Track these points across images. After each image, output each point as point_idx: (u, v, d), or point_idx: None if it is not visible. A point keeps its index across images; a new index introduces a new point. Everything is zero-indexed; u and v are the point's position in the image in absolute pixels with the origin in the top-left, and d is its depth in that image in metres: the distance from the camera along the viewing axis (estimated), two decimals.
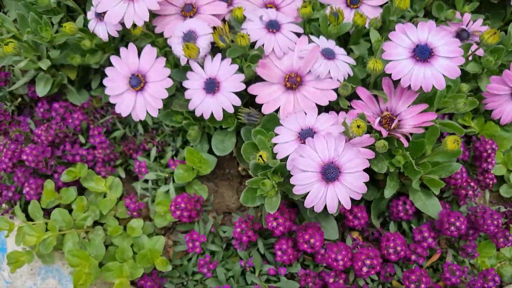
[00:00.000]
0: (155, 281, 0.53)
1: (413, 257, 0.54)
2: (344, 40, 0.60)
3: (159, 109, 0.52)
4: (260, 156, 0.47)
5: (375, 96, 0.53)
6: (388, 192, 0.54)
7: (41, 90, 0.58)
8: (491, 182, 0.60)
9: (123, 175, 0.60)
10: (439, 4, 0.63)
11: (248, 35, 0.50)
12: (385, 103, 0.53)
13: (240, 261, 0.55)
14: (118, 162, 0.60)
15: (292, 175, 0.46)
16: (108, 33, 0.53)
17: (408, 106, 0.53)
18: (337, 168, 0.45)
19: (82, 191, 0.59)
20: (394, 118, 0.53)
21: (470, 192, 0.57)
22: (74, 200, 0.56)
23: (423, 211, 0.55)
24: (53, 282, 0.55)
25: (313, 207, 0.46)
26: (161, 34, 0.56)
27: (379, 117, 0.52)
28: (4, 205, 0.58)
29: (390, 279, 0.55)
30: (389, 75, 0.51)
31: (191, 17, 0.54)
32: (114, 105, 0.60)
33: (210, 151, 0.58)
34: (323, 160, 0.46)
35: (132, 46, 0.51)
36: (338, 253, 0.51)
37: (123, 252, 0.53)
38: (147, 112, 0.52)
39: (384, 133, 0.49)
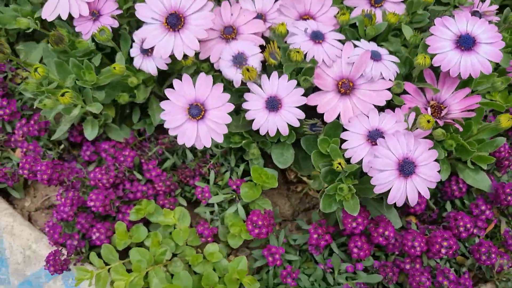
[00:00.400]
0: None
1: (474, 230, 0.58)
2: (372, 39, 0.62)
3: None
4: (339, 163, 0.49)
5: (421, 89, 0.56)
6: (444, 176, 0.57)
7: (90, 133, 0.58)
8: None
9: (184, 204, 0.60)
10: None
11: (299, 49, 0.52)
12: (431, 94, 0.57)
13: (319, 265, 0.57)
14: (177, 192, 0.60)
15: (370, 176, 0.48)
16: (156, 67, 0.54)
17: (452, 93, 0.56)
18: (412, 162, 0.48)
19: (146, 225, 0.59)
20: (441, 106, 0.56)
21: None
22: (146, 237, 0.56)
23: (475, 186, 0.59)
24: None
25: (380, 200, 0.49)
26: (205, 60, 0.56)
27: (429, 107, 0.55)
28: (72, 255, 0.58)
29: (457, 255, 0.59)
30: (431, 67, 0.54)
31: (233, 38, 0.55)
32: (158, 136, 0.60)
33: (265, 166, 0.59)
34: (398, 158, 0.48)
35: (186, 76, 0.52)
36: (414, 240, 0.54)
37: (208, 279, 0.53)
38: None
39: (441, 122, 0.52)
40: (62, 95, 0.50)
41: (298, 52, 0.51)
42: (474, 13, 0.67)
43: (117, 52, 0.56)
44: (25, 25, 0.56)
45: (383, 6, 0.61)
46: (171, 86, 0.53)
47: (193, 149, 0.63)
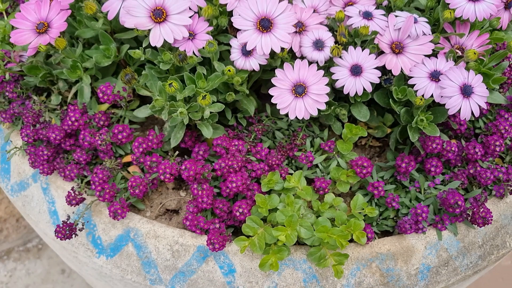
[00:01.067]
0: None
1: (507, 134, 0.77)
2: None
3: None
4: (420, 98, 0.65)
5: (446, 38, 0.75)
6: None
7: (207, 132, 0.69)
8: None
9: (292, 172, 0.74)
10: None
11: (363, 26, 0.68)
12: (453, 40, 0.75)
13: (410, 188, 0.72)
14: (284, 164, 0.73)
15: (437, 107, 0.65)
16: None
17: (467, 36, 0.75)
18: (470, 86, 0.66)
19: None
20: (463, 47, 0.75)
21: None
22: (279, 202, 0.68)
23: (495, 102, 0.77)
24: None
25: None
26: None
27: (457, 49, 0.74)
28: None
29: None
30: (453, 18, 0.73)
31: (304, 31, 0.70)
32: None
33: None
34: (459, 85, 0.66)
35: (287, 64, 0.66)
36: (475, 147, 0.72)
37: (340, 218, 0.67)
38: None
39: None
40: (204, 97, 0.61)
41: (366, 27, 0.67)
42: None
43: (214, 60, 0.69)
44: (138, 55, 0.66)
45: None
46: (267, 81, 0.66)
47: (279, 128, 0.76)
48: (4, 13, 0.88)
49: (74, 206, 0.71)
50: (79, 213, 0.71)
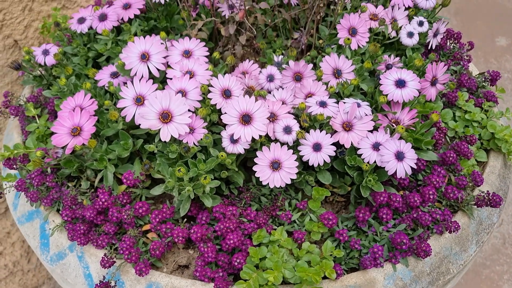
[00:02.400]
0: None
1: (440, 184, 0.99)
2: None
3: None
4: (366, 165, 0.87)
5: (385, 115, 0.98)
6: None
7: (208, 202, 0.90)
8: None
9: (275, 227, 0.94)
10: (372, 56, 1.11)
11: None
12: (390, 116, 0.98)
13: (368, 232, 0.93)
14: (269, 221, 0.94)
15: (381, 168, 0.87)
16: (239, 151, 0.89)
17: (400, 112, 0.98)
18: (403, 152, 0.88)
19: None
20: (398, 121, 0.98)
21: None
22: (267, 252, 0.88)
23: (429, 159, 1.00)
24: None
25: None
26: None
27: (393, 123, 0.97)
28: None
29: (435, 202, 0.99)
30: (387, 101, 0.96)
31: (275, 120, 0.93)
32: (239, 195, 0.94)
33: None
34: (394, 152, 0.88)
35: (265, 148, 0.88)
36: (414, 197, 0.93)
37: (314, 260, 0.87)
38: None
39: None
40: (205, 178, 0.83)
41: (322, 114, 0.89)
42: (388, 65, 1.12)
43: (209, 148, 0.90)
44: (152, 149, 0.88)
45: (342, 77, 1.03)
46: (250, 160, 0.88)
47: (263, 194, 0.97)
48: (36, 117, 1.10)
49: (106, 269, 0.89)
50: (110, 273, 0.90)
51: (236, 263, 0.87)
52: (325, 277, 0.88)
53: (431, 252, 0.89)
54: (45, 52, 1.09)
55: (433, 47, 1.20)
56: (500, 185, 1.08)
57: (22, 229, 1.05)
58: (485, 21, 3.19)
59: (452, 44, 1.33)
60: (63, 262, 0.97)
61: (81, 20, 1.11)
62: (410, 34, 1.14)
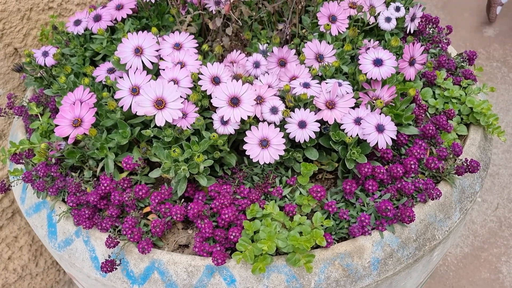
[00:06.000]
0: None
1: (422, 156, 1.05)
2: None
3: None
4: (349, 138, 0.94)
5: (365, 93, 1.04)
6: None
7: (204, 182, 0.96)
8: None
9: (267, 202, 1.00)
10: (352, 41, 1.18)
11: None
12: (371, 93, 1.04)
13: (355, 204, 0.99)
14: (262, 198, 1.00)
15: (364, 141, 0.93)
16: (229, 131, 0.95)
17: (380, 89, 1.05)
18: (383, 125, 0.94)
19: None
20: (378, 98, 1.04)
21: None
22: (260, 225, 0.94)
23: (410, 133, 1.06)
24: None
25: None
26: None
27: (374, 100, 1.03)
28: None
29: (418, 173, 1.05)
30: (366, 79, 1.02)
31: (263, 102, 0.99)
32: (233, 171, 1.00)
33: None
34: (374, 125, 0.94)
35: (254, 128, 0.94)
36: (397, 168, 0.99)
37: (305, 230, 0.93)
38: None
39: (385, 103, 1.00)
40: (198, 156, 0.89)
41: (305, 94, 0.96)
42: (368, 49, 1.18)
43: (202, 131, 0.97)
44: (148, 133, 0.94)
45: (324, 61, 1.09)
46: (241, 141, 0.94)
47: (255, 173, 1.03)
48: (39, 115, 1.17)
49: (111, 249, 0.95)
50: (115, 254, 0.96)
51: (232, 237, 0.92)
52: (317, 247, 0.94)
53: (414, 217, 0.95)
54: (45, 54, 1.16)
55: (411, 31, 1.27)
56: (481, 156, 1.14)
57: (30, 221, 1.11)
58: (472, 13, 3.26)
59: (431, 29, 1.39)
60: (70, 248, 1.02)
61: (77, 22, 1.18)
62: (388, 19, 1.20)
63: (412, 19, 1.25)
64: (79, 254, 1.01)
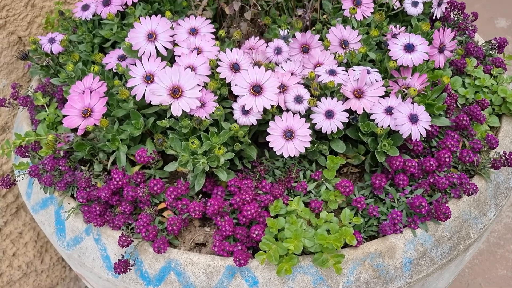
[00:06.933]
0: None
1: (455, 148, 0.98)
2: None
3: None
4: (380, 129, 0.87)
5: (395, 81, 0.97)
6: None
7: (224, 177, 0.89)
8: None
9: (291, 198, 0.93)
10: (378, 26, 1.10)
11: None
12: (400, 82, 0.97)
13: (385, 199, 0.92)
14: (285, 193, 0.93)
15: (395, 133, 0.87)
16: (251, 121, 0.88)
17: (411, 77, 0.98)
18: (416, 115, 0.87)
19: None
20: (409, 86, 0.97)
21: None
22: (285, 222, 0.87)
23: (442, 125, 0.99)
24: None
25: None
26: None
27: (404, 89, 0.96)
28: None
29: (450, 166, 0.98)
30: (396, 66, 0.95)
31: (286, 91, 0.92)
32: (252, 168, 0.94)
33: None
34: (407, 115, 0.87)
35: (278, 117, 0.87)
36: (430, 161, 0.92)
37: (334, 228, 0.86)
38: None
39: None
40: (219, 148, 0.82)
41: (332, 81, 0.89)
42: (394, 35, 1.11)
43: (221, 121, 0.90)
44: (164, 124, 0.88)
45: (349, 47, 1.02)
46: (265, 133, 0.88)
47: (277, 167, 0.97)
48: (45, 105, 1.10)
49: (124, 248, 0.89)
50: (128, 253, 0.90)
51: (254, 235, 0.86)
52: (345, 246, 0.88)
53: (450, 214, 0.88)
54: (51, 41, 1.09)
55: (438, 17, 1.19)
56: None
57: (36, 217, 1.04)
58: (484, 4, 3.18)
59: (456, 16, 1.32)
60: (80, 246, 0.96)
61: (85, 7, 1.11)
62: (415, 4, 1.13)
63: (439, 4, 1.18)
64: (89, 253, 0.95)
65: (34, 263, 1.75)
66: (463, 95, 1.11)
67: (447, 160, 0.93)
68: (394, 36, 1.07)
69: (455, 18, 1.32)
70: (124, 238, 0.87)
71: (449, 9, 1.29)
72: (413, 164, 0.92)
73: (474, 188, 0.92)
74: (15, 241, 1.68)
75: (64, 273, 1.83)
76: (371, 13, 1.09)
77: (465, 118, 0.99)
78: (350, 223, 0.88)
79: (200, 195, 0.92)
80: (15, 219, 1.65)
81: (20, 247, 1.71)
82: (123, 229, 0.92)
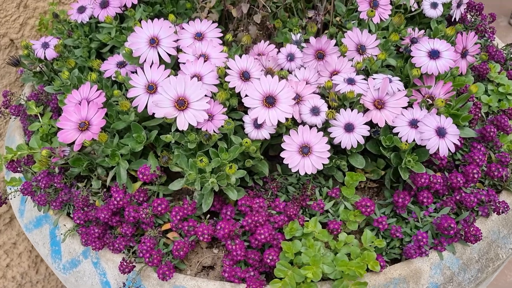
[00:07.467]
0: None
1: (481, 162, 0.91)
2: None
3: None
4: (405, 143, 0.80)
5: (417, 90, 0.90)
6: None
7: (233, 195, 0.82)
8: None
9: (307, 219, 0.86)
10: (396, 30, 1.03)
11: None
12: (423, 91, 0.90)
13: (409, 218, 0.85)
14: (300, 212, 0.86)
15: (419, 148, 0.79)
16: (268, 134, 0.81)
17: (434, 86, 0.90)
18: (443, 128, 0.80)
19: None
20: (432, 96, 0.90)
21: None
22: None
23: (467, 136, 0.92)
24: None
25: None
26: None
27: (428, 98, 0.89)
28: None
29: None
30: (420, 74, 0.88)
31: (301, 101, 0.85)
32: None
33: None
34: (435, 128, 0.80)
35: (293, 132, 0.80)
36: (457, 177, 0.85)
37: (354, 252, 0.79)
38: None
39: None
40: (230, 167, 0.75)
41: (352, 91, 0.82)
42: (413, 39, 1.04)
43: (230, 135, 0.83)
44: (169, 139, 0.80)
45: (367, 52, 0.95)
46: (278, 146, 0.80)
47: (290, 183, 0.89)
48: (39, 115, 1.02)
49: (125, 274, 0.81)
50: (130, 279, 0.82)
51: (268, 260, 0.79)
52: (367, 270, 0.81)
53: (481, 236, 0.81)
54: (45, 45, 1.01)
55: (457, 19, 1.12)
56: None
57: (30, 237, 0.97)
58: (486, 2, 3.12)
59: (474, 17, 1.25)
60: (77, 270, 0.89)
61: (81, 9, 1.03)
62: (434, 5, 1.06)
63: (459, 5, 1.11)
64: (87, 278, 0.88)
65: (29, 274, 1.67)
66: (486, 103, 1.04)
67: (475, 176, 0.86)
68: (413, 40, 1.00)
69: (472, 20, 1.24)
70: (125, 264, 0.80)
71: (465, 10, 1.22)
72: (439, 180, 0.85)
73: (505, 207, 0.85)
74: (8, 251, 1.61)
75: (60, 283, 1.76)
76: (389, 15, 1.01)
77: (492, 130, 0.92)
78: (371, 245, 0.81)
79: (208, 215, 0.85)
80: (8, 229, 1.58)
81: (14, 257, 1.64)
82: (124, 252, 0.85)
